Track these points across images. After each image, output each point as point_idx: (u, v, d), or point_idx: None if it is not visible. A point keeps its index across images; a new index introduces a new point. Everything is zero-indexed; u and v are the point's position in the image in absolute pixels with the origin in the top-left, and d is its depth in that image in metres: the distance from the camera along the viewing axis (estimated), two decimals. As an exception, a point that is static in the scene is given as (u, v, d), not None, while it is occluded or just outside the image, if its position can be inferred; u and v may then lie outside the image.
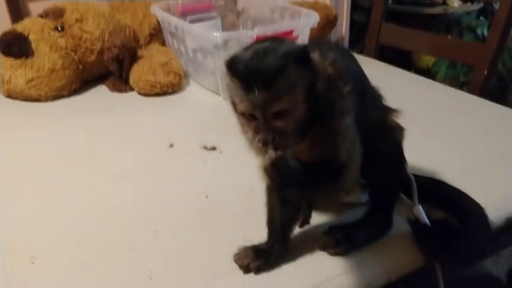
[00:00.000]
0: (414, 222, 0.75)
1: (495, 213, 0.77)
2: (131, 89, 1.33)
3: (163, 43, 1.48)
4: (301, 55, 0.59)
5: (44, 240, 0.77)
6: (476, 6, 2.39)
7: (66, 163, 1.00)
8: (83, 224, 0.81)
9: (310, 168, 0.63)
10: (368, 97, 0.71)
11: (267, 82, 0.57)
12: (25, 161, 1.01)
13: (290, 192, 0.65)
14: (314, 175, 0.63)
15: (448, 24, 2.33)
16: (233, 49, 1.21)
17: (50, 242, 0.77)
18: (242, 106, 0.59)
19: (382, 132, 0.71)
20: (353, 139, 0.65)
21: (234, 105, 0.62)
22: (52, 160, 1.01)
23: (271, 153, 0.58)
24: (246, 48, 0.61)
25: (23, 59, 1.26)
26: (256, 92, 0.57)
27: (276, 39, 0.62)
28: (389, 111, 0.74)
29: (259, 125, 0.59)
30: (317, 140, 0.63)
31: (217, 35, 1.17)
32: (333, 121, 0.62)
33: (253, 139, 0.61)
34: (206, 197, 0.87)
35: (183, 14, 1.45)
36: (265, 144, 0.58)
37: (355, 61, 0.73)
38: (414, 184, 0.78)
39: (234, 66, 0.59)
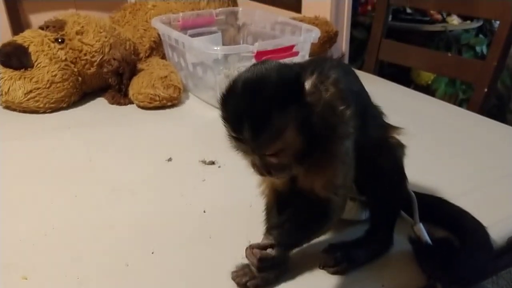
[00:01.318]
0: (415, 241, 0.73)
1: (497, 233, 0.76)
2: (130, 102, 1.32)
3: (163, 56, 1.48)
4: (292, 89, 0.58)
5: (38, 255, 0.76)
6: (476, 24, 2.41)
7: (63, 176, 0.99)
8: (79, 239, 0.80)
9: (297, 220, 0.67)
10: (369, 116, 0.71)
11: (256, 133, 0.57)
12: (21, 173, 1.00)
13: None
14: (302, 232, 0.68)
15: (447, 41, 2.35)
16: (233, 63, 1.23)
17: (44, 257, 0.75)
18: (235, 149, 0.62)
19: (383, 149, 0.70)
20: (350, 164, 0.65)
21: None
22: (49, 173, 1.00)
23: (256, 252, 0.65)
24: (236, 81, 0.60)
25: (22, 70, 1.25)
26: (246, 143, 0.58)
27: (269, 66, 0.61)
28: (390, 128, 0.73)
29: (254, 161, 0.62)
30: (314, 164, 0.63)
31: (218, 49, 1.17)
32: (333, 145, 0.62)
33: (249, 166, 0.64)
34: (204, 212, 0.86)
35: (184, 28, 1.45)
36: (261, 175, 0.62)
37: (357, 79, 0.73)
38: (415, 201, 0.77)
39: (224, 110, 0.60)
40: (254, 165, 0.63)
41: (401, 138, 0.72)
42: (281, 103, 0.57)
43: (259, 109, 0.57)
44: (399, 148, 0.72)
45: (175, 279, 0.70)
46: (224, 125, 0.61)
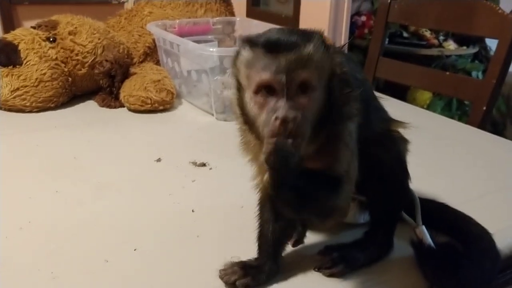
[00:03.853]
0: (417, 244, 0.69)
1: (500, 242, 0.71)
2: (121, 106, 1.28)
3: (157, 63, 1.45)
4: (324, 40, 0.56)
5: (10, 248, 0.70)
6: (472, 50, 2.42)
7: (44, 171, 0.94)
8: (56, 233, 0.74)
9: (309, 174, 0.58)
10: (372, 107, 0.67)
11: (295, 45, 0.53)
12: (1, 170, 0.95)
13: (285, 199, 0.59)
14: (312, 182, 0.58)
15: (444, 66, 2.35)
16: (228, 68, 1.20)
17: (17, 250, 0.70)
18: (263, 74, 0.53)
19: (385, 143, 0.67)
20: (354, 150, 0.61)
21: (240, 87, 0.58)
22: (29, 168, 0.96)
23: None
24: (262, 34, 0.57)
25: (10, 67, 1.21)
26: (284, 54, 0.53)
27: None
28: (393, 122, 0.69)
29: (279, 100, 0.53)
30: (320, 146, 0.59)
31: (213, 50, 1.14)
32: (338, 125, 0.58)
33: (266, 122, 0.54)
34: (193, 211, 0.80)
35: (180, 35, 1.42)
36: (284, 122, 0.51)
37: (359, 68, 0.70)
38: (418, 202, 0.72)
39: (255, 38, 0.55)
40: (275, 110, 0.53)
41: (404, 132, 0.69)
42: (319, 39, 0.56)
43: (301, 33, 0.56)
44: (402, 143, 0.68)
45: (157, 276, 0.65)
46: (253, 50, 0.55)
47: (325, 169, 0.60)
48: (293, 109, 0.52)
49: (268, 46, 0.54)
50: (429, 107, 2.33)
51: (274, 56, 0.53)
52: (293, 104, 0.53)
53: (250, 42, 0.56)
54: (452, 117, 2.31)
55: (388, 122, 0.69)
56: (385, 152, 0.65)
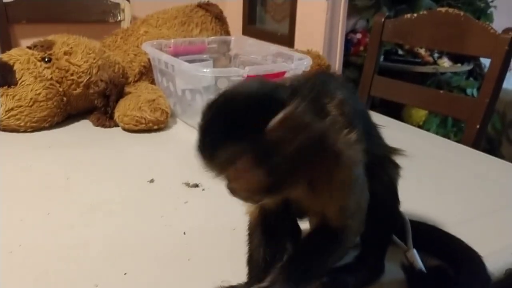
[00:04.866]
0: (408, 268, 0.69)
1: (492, 265, 0.71)
2: (116, 125, 1.28)
3: (152, 82, 1.46)
4: (258, 118, 0.53)
5: None
6: (466, 67, 2.43)
7: (36, 193, 0.94)
8: (46, 257, 0.74)
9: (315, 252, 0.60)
10: (372, 136, 0.67)
11: (208, 156, 0.54)
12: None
13: None
14: (322, 263, 0.61)
15: (439, 83, 2.36)
16: (223, 88, 1.20)
17: (6, 275, 0.70)
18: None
19: (377, 168, 0.66)
20: (362, 188, 0.61)
21: None
22: (21, 189, 0.95)
23: None
24: (216, 100, 0.56)
25: (5, 88, 1.22)
26: (203, 164, 0.55)
27: (250, 86, 0.58)
28: (388, 148, 0.69)
29: None
30: (321, 191, 0.58)
31: (207, 71, 1.15)
32: (341, 173, 0.57)
33: None
34: (184, 233, 0.80)
35: (175, 55, 1.43)
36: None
37: (357, 98, 0.70)
38: (409, 226, 0.72)
39: (198, 132, 0.56)
40: None
41: (397, 158, 0.69)
42: (239, 131, 0.53)
43: (218, 134, 0.54)
44: (394, 168, 0.68)
45: (147, 302, 0.65)
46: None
47: (331, 214, 0.60)
48: (230, 189, 0.58)
49: (196, 148, 0.55)
50: (425, 124, 2.34)
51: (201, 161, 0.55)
52: (228, 186, 0.58)
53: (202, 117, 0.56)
54: (447, 134, 2.32)
55: (383, 149, 0.69)
56: (377, 178, 0.65)
